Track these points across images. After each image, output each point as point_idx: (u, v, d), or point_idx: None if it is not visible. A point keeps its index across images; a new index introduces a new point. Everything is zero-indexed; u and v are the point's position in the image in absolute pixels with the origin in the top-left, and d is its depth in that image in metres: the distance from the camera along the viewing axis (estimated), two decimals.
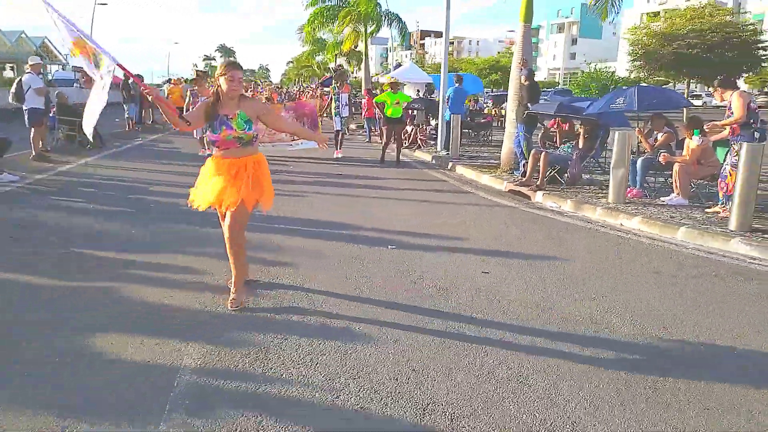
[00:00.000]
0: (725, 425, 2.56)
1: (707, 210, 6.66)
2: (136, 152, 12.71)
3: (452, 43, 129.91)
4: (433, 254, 5.20)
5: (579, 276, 4.66)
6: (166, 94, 20.71)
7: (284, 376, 2.88)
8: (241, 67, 3.61)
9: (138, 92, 18.78)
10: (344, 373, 2.91)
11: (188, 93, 12.59)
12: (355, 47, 28.00)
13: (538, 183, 8.13)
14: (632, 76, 46.57)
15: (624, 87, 16.58)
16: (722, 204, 6.49)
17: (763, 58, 25.34)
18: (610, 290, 4.33)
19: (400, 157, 11.62)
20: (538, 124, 9.95)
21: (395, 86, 11.49)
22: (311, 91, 32.16)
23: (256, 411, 2.56)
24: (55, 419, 2.46)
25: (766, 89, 44.75)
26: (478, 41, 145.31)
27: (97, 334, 3.31)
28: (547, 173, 8.16)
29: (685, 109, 15.93)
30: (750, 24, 27.05)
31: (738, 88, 6.71)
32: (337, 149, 12.04)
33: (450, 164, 11.03)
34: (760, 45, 25.35)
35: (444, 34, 13.88)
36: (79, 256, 4.87)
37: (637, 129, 8.02)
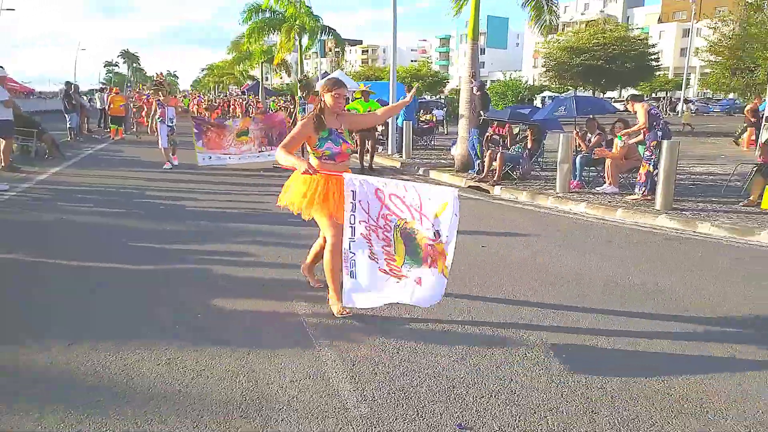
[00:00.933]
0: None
1: (630, 196, 8.29)
2: (95, 161, 12.87)
3: (367, 51, 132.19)
4: None
5: (555, 245, 5.98)
6: (107, 103, 20.45)
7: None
8: (345, 85, 3.93)
9: (79, 102, 18.53)
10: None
11: (154, 103, 12.91)
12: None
13: (495, 179, 9.52)
14: (538, 84, 50.21)
15: (561, 96, 18.73)
16: (641, 190, 8.12)
17: (655, 67, 29.11)
18: (581, 254, 5.68)
19: (372, 164, 11.84)
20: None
21: (366, 95, 11.76)
22: (234, 100, 32.40)
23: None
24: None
25: (653, 95, 50.21)
26: (384, 49, 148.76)
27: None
28: (503, 170, 9.57)
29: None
30: (642, 39, 30.79)
31: (643, 101, 8.38)
32: None
33: (421, 169, 12.00)
34: (651, 57, 29.05)
35: (392, 44, 15.17)
36: (148, 247, 5.56)
37: (575, 132, 9.64)
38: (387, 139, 15.07)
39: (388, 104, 11.51)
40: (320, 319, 3.81)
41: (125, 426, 2.55)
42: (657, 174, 7.63)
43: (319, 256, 4.21)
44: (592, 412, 2.73)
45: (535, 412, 2.72)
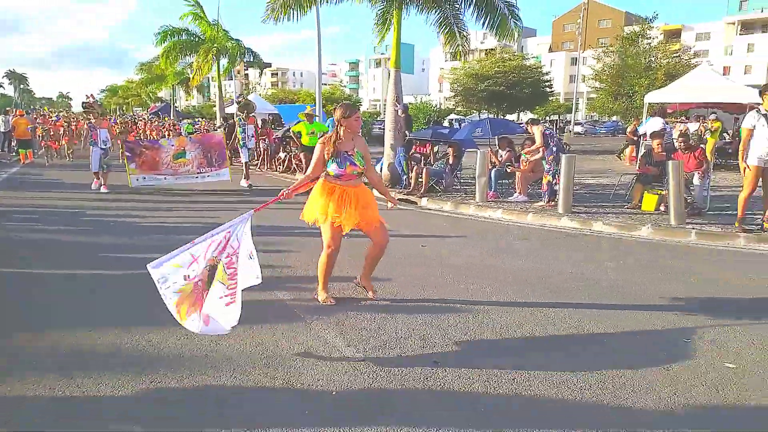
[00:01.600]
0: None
1: (537, 203, 9.64)
2: (15, 184, 12.61)
3: (276, 74, 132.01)
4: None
5: (482, 244, 7.07)
6: (10, 126, 19.60)
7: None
8: (359, 109, 4.34)
9: None
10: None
11: (85, 125, 12.74)
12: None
13: (422, 191, 10.59)
14: (444, 107, 52.95)
15: (477, 119, 20.48)
16: (545, 198, 9.50)
17: (548, 93, 32.28)
18: (501, 249, 6.78)
19: None
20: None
21: (310, 117, 12.39)
22: (144, 123, 31.72)
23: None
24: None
25: (547, 118, 54.73)
26: (302, 73, 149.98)
27: None
28: (428, 184, 10.67)
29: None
30: (538, 67, 34.00)
31: (539, 124, 9.84)
32: (245, 179, 12.32)
33: None
34: (545, 83, 32.15)
35: (317, 70, 16.00)
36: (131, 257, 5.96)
37: (489, 149, 10.96)
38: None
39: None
40: (304, 303, 4.54)
41: (180, 374, 3.17)
42: (557, 184, 9.02)
43: (370, 262, 4.56)
44: (518, 356, 3.69)
45: (485, 352, 3.64)
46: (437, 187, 10.86)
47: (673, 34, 75.61)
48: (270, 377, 3.22)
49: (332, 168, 4.25)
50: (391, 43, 13.06)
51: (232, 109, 32.54)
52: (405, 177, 11.59)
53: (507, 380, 3.19)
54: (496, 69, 29.08)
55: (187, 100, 59.27)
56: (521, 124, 20.48)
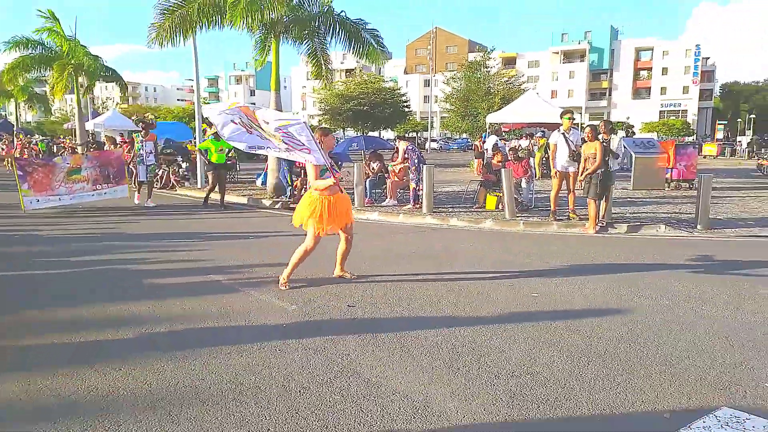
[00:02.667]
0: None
1: (406, 206, 11.57)
2: None
3: (126, 88, 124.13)
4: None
5: (370, 238, 8.71)
6: None
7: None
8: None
9: None
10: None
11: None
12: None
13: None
14: (309, 125, 54.68)
15: (352, 136, 22.21)
16: (411, 202, 11.47)
17: (407, 112, 35.56)
18: (387, 243, 8.48)
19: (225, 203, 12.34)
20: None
21: (218, 136, 12.47)
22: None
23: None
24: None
25: (407, 134, 58.82)
26: (155, 88, 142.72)
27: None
28: None
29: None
30: (396, 89, 37.16)
31: (406, 141, 11.87)
32: (148, 198, 12.15)
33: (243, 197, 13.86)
34: (403, 104, 35.32)
35: (195, 87, 16.65)
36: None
37: (364, 162, 12.72)
38: (194, 173, 16.51)
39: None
40: (251, 284, 5.79)
41: (196, 336, 4.33)
42: (421, 190, 11.02)
43: (343, 255, 5.75)
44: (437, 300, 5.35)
45: (377, 300, 5.23)
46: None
47: (509, 61, 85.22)
48: (237, 320, 4.50)
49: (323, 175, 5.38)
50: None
51: (90, 125, 31.17)
52: (290, 188, 12.93)
53: (386, 313, 4.80)
54: (359, 90, 31.51)
55: (33, 114, 54.19)
56: (389, 140, 22.78)
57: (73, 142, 22.83)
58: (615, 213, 10.45)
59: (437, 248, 7.88)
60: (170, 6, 12.07)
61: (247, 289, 5.50)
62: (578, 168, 9.34)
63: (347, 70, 79.00)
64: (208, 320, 4.56)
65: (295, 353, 3.84)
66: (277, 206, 12.46)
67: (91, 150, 18.00)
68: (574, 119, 9.77)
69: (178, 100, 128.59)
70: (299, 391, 3.25)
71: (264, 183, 15.46)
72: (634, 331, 4.33)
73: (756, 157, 28.07)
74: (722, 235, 8.78)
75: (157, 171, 15.97)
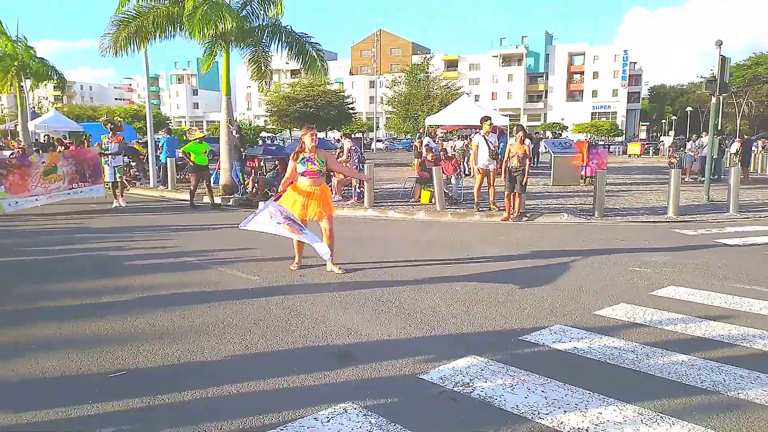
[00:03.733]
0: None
1: (349, 201, 12.86)
2: None
3: (58, 86, 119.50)
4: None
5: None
6: None
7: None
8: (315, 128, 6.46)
9: None
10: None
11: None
12: None
13: (259, 196, 13.10)
14: (253, 125, 54.90)
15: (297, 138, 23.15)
16: (354, 197, 12.77)
17: (352, 113, 36.90)
18: (354, 229, 9.73)
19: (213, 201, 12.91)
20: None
21: (202, 139, 12.81)
22: None
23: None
24: None
25: (353, 135, 60.06)
26: (91, 86, 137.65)
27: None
28: (263, 190, 13.23)
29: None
30: (341, 92, 38.42)
31: (350, 140, 13.18)
32: (116, 198, 12.45)
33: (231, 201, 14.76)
34: (349, 105, 36.63)
35: (146, 94, 17.30)
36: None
37: None
38: (147, 173, 17.20)
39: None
40: (220, 266, 6.93)
41: (177, 298, 5.45)
42: (362, 187, 12.33)
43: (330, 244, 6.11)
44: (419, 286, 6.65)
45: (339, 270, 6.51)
46: (270, 193, 13.46)
47: (451, 64, 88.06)
48: (210, 287, 5.68)
49: (299, 168, 6.08)
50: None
51: (31, 126, 30.73)
52: (242, 186, 13.97)
53: (330, 279, 6.09)
54: (305, 93, 32.57)
55: None
56: (332, 141, 23.91)
57: (21, 143, 22.77)
58: (532, 204, 12.14)
59: (374, 235, 9.22)
60: (126, 18, 12.85)
61: (216, 266, 6.66)
62: (497, 166, 10.91)
63: (292, 71, 79.49)
64: (186, 287, 5.70)
65: (257, 305, 5.07)
66: (230, 203, 13.48)
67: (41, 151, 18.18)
68: (492, 124, 11.36)
69: (115, 99, 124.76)
70: (247, 328, 4.48)
71: (216, 182, 16.39)
72: (510, 280, 5.79)
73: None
74: (612, 221, 10.54)
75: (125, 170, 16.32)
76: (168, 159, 16.11)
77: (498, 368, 3.65)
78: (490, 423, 2.95)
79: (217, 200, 13.23)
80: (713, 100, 13.14)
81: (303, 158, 6.17)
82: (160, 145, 16.66)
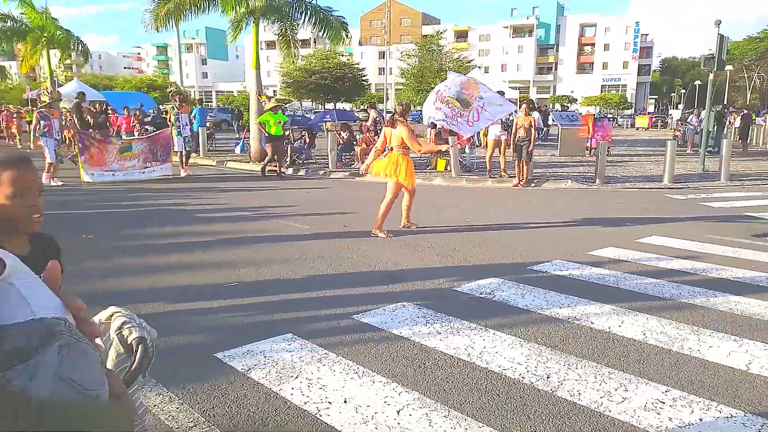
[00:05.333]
0: None
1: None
2: None
3: (69, 56, 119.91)
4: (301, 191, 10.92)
5: (352, 191, 11.13)
6: None
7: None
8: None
9: None
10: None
11: (36, 115, 11.75)
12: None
13: (288, 163, 14.30)
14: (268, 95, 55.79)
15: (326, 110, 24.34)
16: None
17: (366, 86, 37.84)
18: (363, 194, 10.94)
19: (282, 171, 13.24)
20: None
21: (276, 108, 12.96)
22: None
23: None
24: None
25: (363, 107, 60.81)
26: (100, 55, 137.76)
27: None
28: (292, 158, 14.41)
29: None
30: (356, 64, 39.18)
31: (375, 110, 14.25)
32: (183, 167, 13.00)
33: (225, 162, 15.94)
34: (362, 78, 37.45)
35: (179, 68, 18.30)
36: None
37: (335, 133, 15.05)
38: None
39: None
40: (277, 218, 8.16)
41: (245, 241, 6.70)
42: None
43: (408, 207, 7.17)
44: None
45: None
46: (299, 160, 14.66)
47: (462, 35, 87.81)
48: (272, 232, 6.92)
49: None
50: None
51: (35, 94, 31.65)
52: None
53: (369, 226, 7.32)
54: (321, 65, 33.43)
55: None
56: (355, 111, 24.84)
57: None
58: (539, 172, 13.26)
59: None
60: None
61: (274, 219, 7.90)
62: (508, 136, 12.02)
63: (302, 41, 79.69)
64: (250, 233, 6.94)
65: (313, 244, 6.31)
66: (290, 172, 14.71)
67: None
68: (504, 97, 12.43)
69: (124, 68, 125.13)
70: (313, 260, 5.73)
71: (243, 150, 17.58)
72: (520, 230, 6.98)
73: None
74: (612, 187, 11.67)
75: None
76: (200, 128, 17.24)
77: (512, 285, 4.88)
78: (506, 315, 4.19)
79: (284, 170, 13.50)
80: (710, 76, 14.10)
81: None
82: (192, 115, 17.76)
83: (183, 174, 12.90)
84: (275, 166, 13.04)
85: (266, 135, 12.62)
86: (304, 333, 3.81)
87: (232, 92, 53.04)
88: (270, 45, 71.71)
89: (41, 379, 0.60)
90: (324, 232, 7.06)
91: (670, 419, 2.77)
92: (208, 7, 14.64)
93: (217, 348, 3.55)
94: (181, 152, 13.04)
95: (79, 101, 14.18)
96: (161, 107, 24.89)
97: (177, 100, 13.29)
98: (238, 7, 13.52)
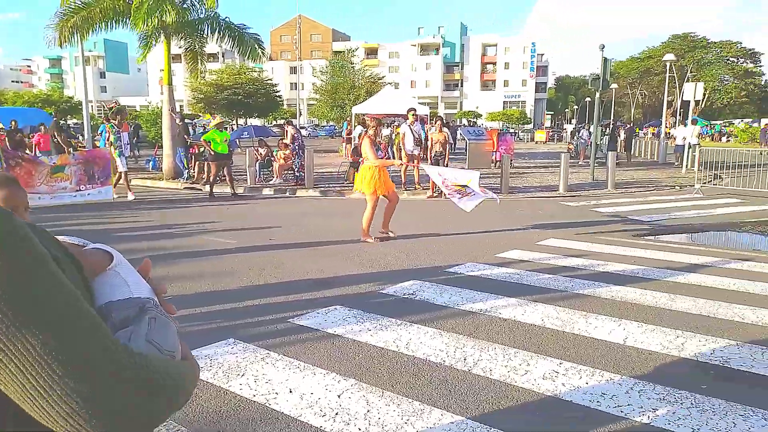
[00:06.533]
0: None
1: (291, 184, 14.24)
2: None
3: None
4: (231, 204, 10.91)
5: (269, 206, 11.31)
6: None
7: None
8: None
9: None
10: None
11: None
12: None
13: (206, 180, 14.21)
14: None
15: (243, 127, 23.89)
16: (295, 180, 14.19)
17: (279, 102, 37.79)
18: (279, 209, 11.17)
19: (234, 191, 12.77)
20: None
21: (221, 126, 12.91)
22: None
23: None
24: None
25: (276, 122, 60.43)
26: None
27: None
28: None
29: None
30: (269, 79, 39.07)
31: (293, 126, 14.53)
32: (129, 190, 12.03)
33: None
34: (275, 93, 37.42)
35: (83, 82, 17.59)
36: None
37: (253, 148, 15.14)
38: None
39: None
40: (204, 235, 8.23)
41: (176, 255, 6.77)
42: (302, 170, 13.79)
43: (388, 214, 7.61)
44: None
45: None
46: (219, 177, 14.59)
47: (372, 52, 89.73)
48: (201, 247, 7.06)
49: (380, 155, 7.90)
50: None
51: None
52: (186, 170, 14.97)
53: (299, 238, 7.65)
54: (233, 80, 33.07)
55: None
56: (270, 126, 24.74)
57: None
58: None
59: (318, 211, 10.78)
60: (73, 9, 13.43)
61: (199, 235, 8.00)
62: (421, 151, 12.77)
63: (210, 55, 77.94)
64: (177, 249, 7.04)
65: (241, 257, 6.56)
66: (183, 188, 14.51)
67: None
68: (417, 115, 13.20)
69: (12, 81, 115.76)
70: (243, 272, 6.00)
71: (155, 167, 17.22)
72: (435, 237, 7.61)
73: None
74: (515, 197, 12.72)
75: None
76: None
77: (431, 285, 5.43)
78: (427, 311, 4.71)
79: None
80: (596, 95, 15.74)
81: (378, 147, 7.79)
82: (99, 132, 17.10)
83: (131, 197, 11.81)
84: (206, 183, 12.96)
85: (212, 153, 12.37)
86: (245, 337, 4.10)
87: (135, 107, 50.85)
88: (176, 59, 69.45)
89: (136, 340, 0.85)
90: (251, 246, 7.29)
91: (563, 384, 3.38)
92: (119, 22, 14.31)
93: None
94: (126, 173, 12.16)
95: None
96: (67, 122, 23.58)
97: (117, 118, 12.48)
98: (149, 22, 13.32)
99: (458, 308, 4.76)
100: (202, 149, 15.59)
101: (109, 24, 14.02)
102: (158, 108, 41.59)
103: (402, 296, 5.12)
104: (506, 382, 3.41)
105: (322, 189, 13.41)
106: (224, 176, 12.74)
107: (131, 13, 13.39)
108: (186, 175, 15.01)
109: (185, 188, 14.23)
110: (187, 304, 4.80)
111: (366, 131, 7.80)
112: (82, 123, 17.79)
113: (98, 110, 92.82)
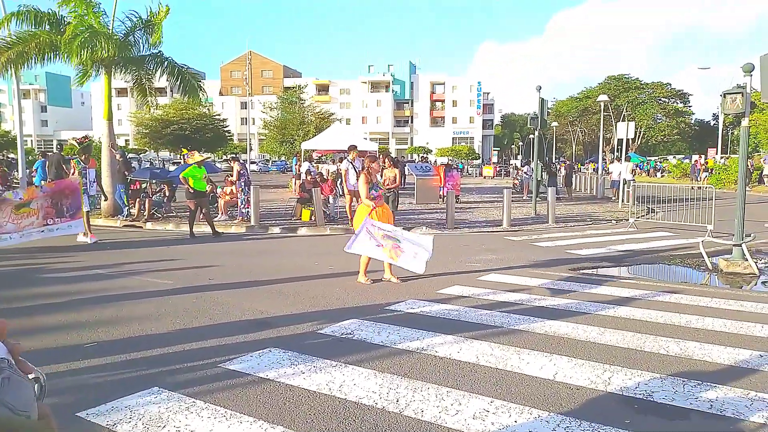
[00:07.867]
0: None
1: (235, 221, 14.01)
2: None
3: None
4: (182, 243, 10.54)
5: (213, 246, 11.05)
6: None
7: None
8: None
9: None
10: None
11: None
12: None
13: (146, 217, 13.80)
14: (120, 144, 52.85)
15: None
16: (240, 217, 13.97)
17: (229, 137, 37.46)
18: (223, 248, 10.94)
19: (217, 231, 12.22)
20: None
21: (201, 163, 12.36)
22: None
23: None
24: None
25: (226, 157, 59.70)
26: None
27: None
28: (151, 212, 13.94)
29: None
30: (217, 114, 38.78)
31: (239, 162, 14.40)
32: (89, 232, 11.08)
33: None
34: (224, 128, 37.12)
35: (17, 116, 16.97)
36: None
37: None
38: None
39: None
40: (142, 276, 7.92)
41: (112, 299, 6.47)
42: (248, 207, 13.61)
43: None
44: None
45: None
46: (158, 214, 14.21)
47: (323, 88, 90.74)
48: (137, 289, 6.79)
49: (372, 193, 7.33)
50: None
51: None
52: (126, 208, 14.51)
53: (236, 278, 7.48)
54: (180, 115, 32.61)
55: None
56: (215, 161, 24.44)
57: None
58: (398, 219, 14.21)
59: (265, 249, 10.61)
60: (7, 43, 13.01)
61: (135, 276, 7.70)
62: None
63: (158, 89, 76.79)
64: (109, 291, 6.75)
65: (177, 298, 6.35)
66: (122, 226, 14.01)
67: None
68: (358, 150, 13.35)
69: None
70: (177, 314, 5.81)
71: (96, 204, 16.59)
72: (378, 273, 7.61)
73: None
74: (461, 232, 12.93)
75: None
76: (42, 182, 15.99)
77: (370, 323, 5.39)
78: (364, 351, 4.66)
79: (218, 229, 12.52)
80: (536, 133, 16.36)
81: (373, 184, 7.40)
82: (34, 168, 16.43)
83: (90, 241, 10.91)
84: (147, 221, 12.46)
85: (191, 191, 11.86)
86: (170, 385, 3.93)
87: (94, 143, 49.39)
88: (121, 92, 68.21)
89: None
90: (188, 286, 7.07)
91: (492, 423, 3.39)
92: (56, 55, 13.95)
93: (79, 407, 3.55)
94: (87, 213, 11.05)
95: None
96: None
97: (84, 155, 11.60)
98: (82, 54, 13.02)
99: (395, 347, 4.74)
100: (144, 185, 15.25)
101: (45, 58, 13.63)
102: (99, 143, 40.67)
103: (339, 336, 5.06)
104: (437, 423, 3.39)
105: (266, 225, 13.26)
106: (203, 217, 12.25)
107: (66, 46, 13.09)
108: (126, 213, 14.53)
109: (125, 226, 13.76)
110: (110, 352, 4.58)
111: (364, 168, 7.71)
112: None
113: (38, 145, 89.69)
